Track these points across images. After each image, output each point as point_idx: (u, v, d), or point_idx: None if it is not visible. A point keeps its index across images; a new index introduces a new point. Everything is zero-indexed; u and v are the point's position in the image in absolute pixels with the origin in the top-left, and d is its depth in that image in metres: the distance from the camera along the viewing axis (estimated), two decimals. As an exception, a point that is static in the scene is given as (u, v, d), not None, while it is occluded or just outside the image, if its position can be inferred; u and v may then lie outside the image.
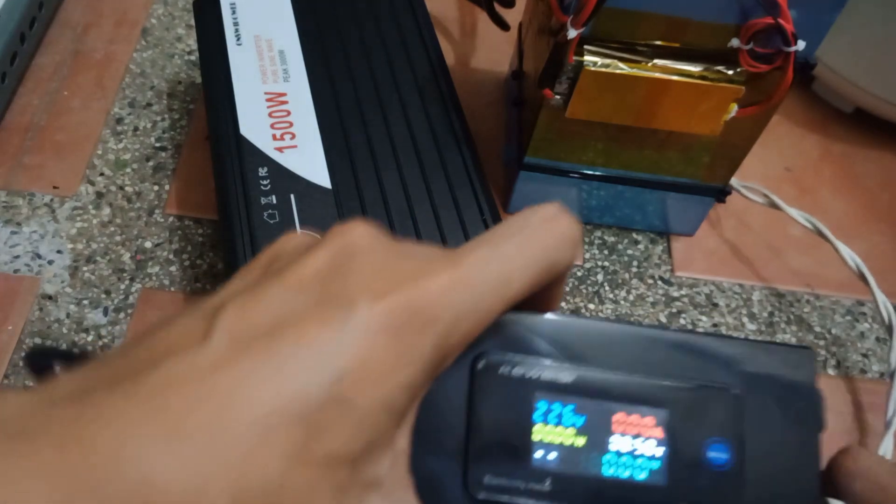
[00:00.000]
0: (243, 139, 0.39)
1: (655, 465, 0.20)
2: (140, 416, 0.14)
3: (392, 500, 0.17)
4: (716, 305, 0.45)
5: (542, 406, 0.20)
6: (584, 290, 0.44)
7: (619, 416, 0.20)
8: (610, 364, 0.20)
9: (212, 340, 0.15)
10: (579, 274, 0.45)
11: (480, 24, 0.57)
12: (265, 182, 0.37)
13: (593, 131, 0.40)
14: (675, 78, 0.36)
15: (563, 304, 0.44)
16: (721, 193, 0.44)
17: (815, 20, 0.35)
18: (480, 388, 0.20)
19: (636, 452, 0.20)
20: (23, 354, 0.40)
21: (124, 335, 0.40)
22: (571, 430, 0.20)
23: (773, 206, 0.44)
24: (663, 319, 0.44)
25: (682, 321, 0.44)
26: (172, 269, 0.43)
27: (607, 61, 0.36)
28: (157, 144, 0.48)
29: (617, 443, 0.20)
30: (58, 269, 0.42)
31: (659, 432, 0.20)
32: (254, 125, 0.39)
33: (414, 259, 0.17)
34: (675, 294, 0.45)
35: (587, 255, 0.46)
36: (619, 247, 0.47)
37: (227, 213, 0.36)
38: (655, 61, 0.36)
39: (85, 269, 0.43)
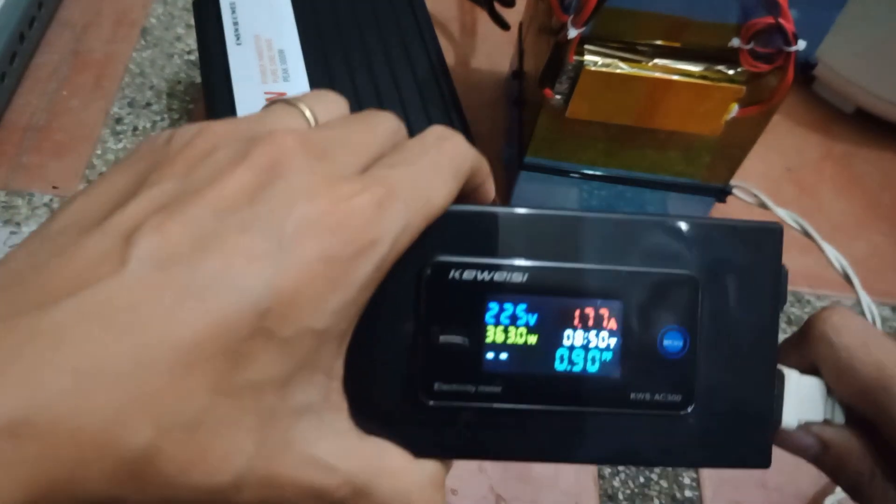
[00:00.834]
0: (243, 139, 0.38)
1: (608, 356, 0.20)
2: (47, 354, 0.13)
3: (323, 424, 0.17)
4: (716, 305, 0.45)
5: (493, 307, 0.20)
6: (585, 291, 0.44)
7: (571, 311, 0.20)
8: (563, 256, 0.20)
9: (129, 267, 0.14)
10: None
11: (481, 23, 0.57)
12: (265, 182, 0.37)
13: (594, 131, 0.40)
14: (675, 78, 0.36)
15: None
16: (721, 193, 0.44)
17: (816, 20, 0.34)
18: (428, 295, 0.19)
19: (589, 345, 0.20)
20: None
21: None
22: (524, 329, 0.20)
23: (763, 206, 0.44)
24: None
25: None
26: (172, 269, 0.43)
27: (608, 61, 0.36)
28: (157, 144, 0.48)
29: (569, 337, 0.20)
30: (57, 270, 0.42)
31: (613, 323, 0.20)
32: (253, 125, 0.39)
33: (342, 179, 0.17)
34: (676, 294, 0.45)
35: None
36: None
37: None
38: (656, 61, 0.36)
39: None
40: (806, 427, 0.21)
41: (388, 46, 0.44)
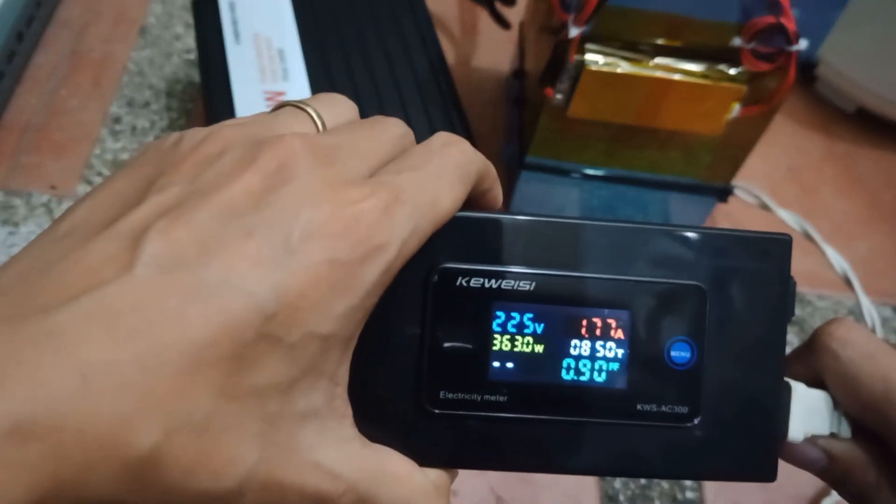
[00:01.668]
0: (242, 139, 0.38)
1: (615, 366, 0.20)
2: (52, 356, 0.13)
3: (327, 431, 0.17)
4: (717, 306, 0.44)
5: (499, 316, 0.19)
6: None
7: (578, 320, 0.20)
8: (570, 264, 0.20)
9: (136, 270, 0.14)
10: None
11: (481, 22, 0.57)
12: (264, 182, 0.37)
13: (595, 131, 0.40)
14: (676, 77, 0.36)
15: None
16: (723, 193, 0.43)
17: (818, 19, 0.34)
18: (435, 302, 0.19)
19: (596, 355, 0.20)
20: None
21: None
22: (530, 338, 0.19)
23: (765, 206, 0.44)
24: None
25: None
26: (171, 269, 0.43)
27: (609, 60, 0.36)
28: (156, 144, 0.48)
29: (576, 347, 0.20)
30: (55, 270, 0.42)
31: (620, 334, 0.20)
32: (253, 125, 0.39)
33: (349, 184, 0.17)
34: (677, 294, 0.45)
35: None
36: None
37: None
38: (657, 60, 0.36)
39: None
40: (812, 440, 0.21)
41: (388, 46, 0.44)
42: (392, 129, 0.19)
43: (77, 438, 0.13)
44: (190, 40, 0.54)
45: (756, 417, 0.20)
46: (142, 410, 0.14)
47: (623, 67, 0.36)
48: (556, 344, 0.19)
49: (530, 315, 0.19)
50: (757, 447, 0.20)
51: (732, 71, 0.36)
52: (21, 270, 0.15)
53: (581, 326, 0.20)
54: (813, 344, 0.22)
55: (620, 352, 0.20)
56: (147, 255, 0.15)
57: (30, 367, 0.13)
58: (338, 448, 0.17)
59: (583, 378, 0.20)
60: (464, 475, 0.38)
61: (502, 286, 0.19)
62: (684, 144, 0.40)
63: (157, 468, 0.14)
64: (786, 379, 0.21)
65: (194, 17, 0.45)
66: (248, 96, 0.40)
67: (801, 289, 0.45)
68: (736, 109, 0.37)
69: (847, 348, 0.21)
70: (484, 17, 0.55)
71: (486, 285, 0.19)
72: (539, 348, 0.19)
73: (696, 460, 0.20)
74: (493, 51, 0.55)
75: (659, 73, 0.36)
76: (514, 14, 0.52)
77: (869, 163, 0.52)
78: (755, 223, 0.48)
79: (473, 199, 0.20)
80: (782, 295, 0.20)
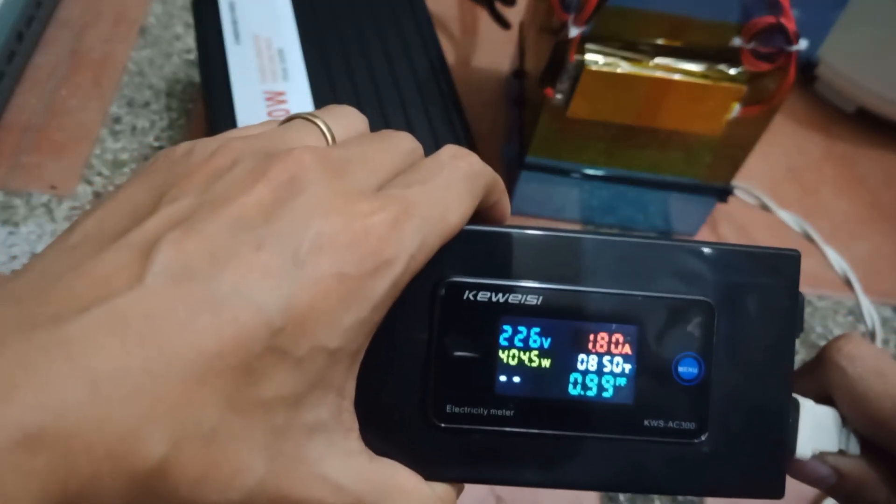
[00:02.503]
0: (242, 139, 0.38)
1: (622, 382, 0.20)
2: (63, 365, 0.13)
3: (334, 444, 0.17)
4: (717, 306, 0.44)
5: (507, 330, 0.19)
6: (585, 291, 0.44)
7: (585, 335, 0.20)
8: (578, 279, 0.20)
9: (147, 281, 0.14)
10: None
11: (481, 22, 0.57)
12: (264, 182, 0.37)
13: (595, 131, 0.40)
14: (676, 77, 0.36)
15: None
16: (723, 193, 0.43)
17: (818, 19, 0.34)
18: (442, 315, 0.19)
19: (603, 370, 0.20)
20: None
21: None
22: (537, 353, 0.19)
23: (765, 207, 0.44)
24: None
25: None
26: (171, 269, 0.43)
27: (609, 60, 0.36)
28: (156, 144, 0.48)
29: (583, 362, 0.20)
30: (55, 270, 0.42)
31: (627, 349, 0.20)
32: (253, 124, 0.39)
33: (359, 197, 0.17)
34: (677, 295, 0.45)
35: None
36: (621, 247, 0.46)
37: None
38: (657, 60, 0.36)
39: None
40: (821, 457, 0.21)
41: (388, 45, 0.44)
42: (402, 144, 0.19)
43: (86, 447, 0.13)
44: (190, 40, 0.54)
45: (764, 433, 0.20)
46: (150, 420, 0.14)
47: (623, 67, 0.36)
48: (564, 358, 0.19)
49: (537, 329, 0.19)
50: (765, 463, 0.20)
51: (732, 71, 0.36)
52: (33, 279, 0.15)
53: (588, 341, 0.19)
54: (821, 360, 0.21)
55: (628, 367, 0.20)
56: (158, 265, 0.15)
57: (41, 375, 0.13)
58: (344, 461, 0.17)
59: (590, 393, 0.19)
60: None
61: (509, 300, 0.19)
62: (684, 144, 0.40)
63: (165, 478, 0.14)
64: (794, 395, 0.21)
65: (194, 17, 0.44)
66: (248, 96, 0.40)
67: (802, 289, 0.45)
68: (736, 109, 0.37)
69: (856, 365, 0.21)
70: (484, 17, 0.55)
71: (494, 299, 0.19)
72: (546, 363, 0.19)
73: (704, 476, 0.20)
74: (493, 51, 0.55)
75: (659, 73, 0.36)
76: (514, 14, 0.52)
77: (869, 163, 0.52)
78: (755, 224, 0.48)
79: (482, 212, 0.20)
80: (790, 310, 0.20)
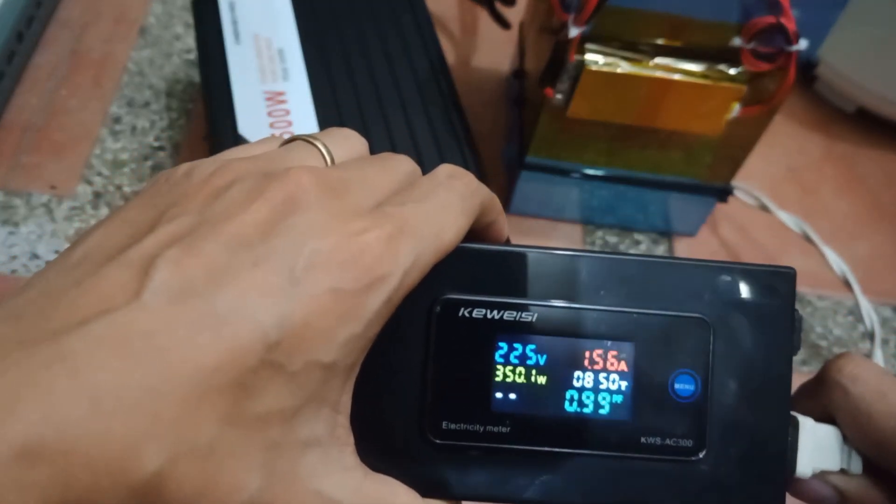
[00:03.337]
0: (242, 139, 0.38)
1: (618, 399, 0.20)
2: (64, 379, 0.14)
3: (329, 459, 0.17)
4: (717, 306, 0.44)
5: (502, 347, 0.19)
6: (585, 291, 0.44)
7: (581, 352, 0.20)
8: (573, 296, 0.20)
9: (144, 298, 0.15)
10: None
11: (481, 22, 0.57)
12: (264, 182, 0.37)
13: (595, 131, 0.40)
14: (676, 77, 0.36)
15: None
16: (723, 193, 0.43)
17: (818, 19, 0.34)
18: (438, 333, 0.19)
19: (599, 388, 0.19)
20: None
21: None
22: (533, 370, 0.19)
23: (764, 208, 0.44)
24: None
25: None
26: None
27: (609, 60, 0.36)
28: (156, 144, 0.48)
29: (579, 379, 0.19)
30: (55, 270, 0.42)
31: (623, 366, 0.20)
32: (252, 124, 0.39)
33: (354, 216, 0.17)
34: (677, 295, 0.45)
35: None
36: (621, 247, 0.46)
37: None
38: (657, 60, 0.36)
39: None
40: (822, 476, 0.21)
41: (388, 46, 0.44)
42: (400, 166, 0.20)
43: (86, 461, 0.14)
44: (190, 40, 0.54)
45: (763, 452, 0.20)
46: (149, 435, 0.14)
47: (623, 67, 0.36)
48: (560, 375, 0.19)
49: (533, 346, 0.19)
50: (764, 482, 0.20)
51: (732, 71, 0.36)
52: (34, 296, 0.15)
53: (584, 358, 0.19)
54: (822, 380, 0.21)
55: (624, 384, 0.19)
56: (156, 282, 0.15)
57: (42, 390, 0.14)
58: (340, 477, 0.17)
59: (586, 410, 0.19)
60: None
61: (505, 317, 0.19)
62: (684, 144, 0.40)
63: (161, 493, 0.14)
64: (793, 413, 0.21)
65: (194, 17, 0.44)
66: (248, 96, 0.40)
67: (802, 289, 0.45)
68: (736, 109, 0.37)
69: (857, 385, 0.21)
70: (484, 17, 0.55)
71: (489, 316, 0.19)
72: (542, 380, 0.19)
73: (702, 494, 0.20)
74: (493, 51, 0.55)
75: (659, 73, 0.36)
76: (514, 14, 0.52)
77: (869, 163, 0.52)
78: (755, 224, 0.48)
79: (478, 232, 0.21)
80: (787, 328, 0.20)
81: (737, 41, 0.35)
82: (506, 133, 0.50)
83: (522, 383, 0.19)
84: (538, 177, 0.43)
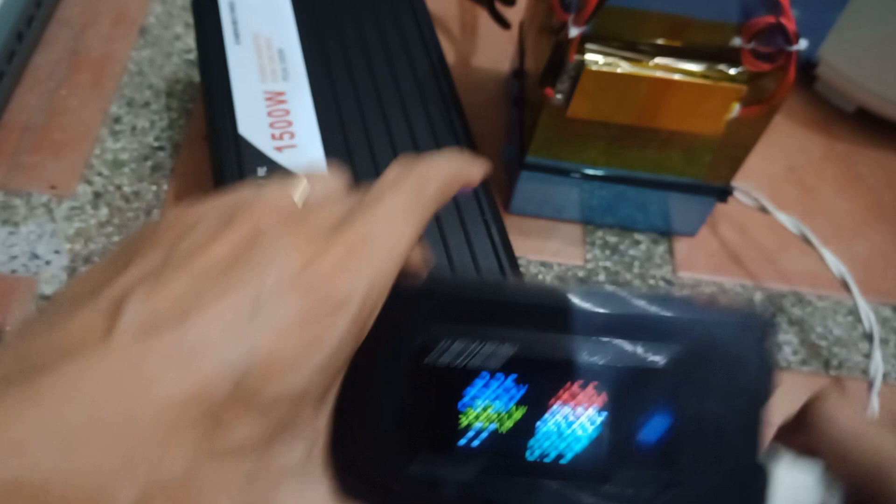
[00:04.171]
0: (242, 139, 0.38)
1: (588, 440, 0.20)
2: (35, 419, 0.14)
3: (305, 488, 0.17)
4: (717, 306, 0.44)
5: (476, 383, 0.19)
6: (585, 291, 0.44)
7: (554, 392, 0.20)
8: (549, 336, 0.20)
9: (114, 337, 0.15)
10: (581, 275, 0.45)
11: (481, 22, 0.57)
12: (264, 182, 0.37)
13: (595, 130, 0.40)
14: (676, 77, 0.36)
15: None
16: (723, 193, 0.43)
17: (818, 19, 0.34)
18: (411, 368, 0.19)
19: (570, 429, 0.20)
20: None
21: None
22: (503, 412, 0.20)
23: (763, 209, 0.44)
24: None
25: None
26: (171, 269, 0.43)
27: (609, 60, 0.36)
28: (156, 144, 0.48)
29: (550, 420, 0.20)
30: (55, 270, 0.42)
31: (594, 408, 0.20)
32: (253, 124, 0.39)
33: (312, 243, 0.17)
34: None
35: (589, 256, 0.46)
36: (621, 247, 0.46)
37: (225, 214, 0.36)
38: (657, 60, 0.36)
39: (83, 269, 0.42)
40: None
41: (388, 45, 0.44)
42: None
43: (58, 499, 0.14)
44: (190, 40, 0.54)
45: (734, 494, 0.20)
46: (121, 470, 0.14)
47: (623, 67, 0.36)
48: (531, 414, 0.20)
49: (506, 384, 0.20)
50: None
51: (732, 71, 0.36)
52: (13, 340, 0.16)
53: (556, 398, 0.20)
54: (801, 419, 0.21)
55: (594, 425, 0.20)
56: (125, 321, 0.15)
57: (14, 429, 0.14)
58: None
59: (555, 451, 0.20)
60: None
61: (478, 354, 0.19)
62: (684, 144, 0.40)
63: None
64: (772, 449, 0.21)
65: (194, 17, 0.44)
66: (248, 96, 0.40)
67: (802, 289, 0.45)
68: (736, 109, 0.37)
69: (834, 427, 0.20)
70: (484, 17, 0.55)
71: (462, 356, 0.19)
72: (512, 419, 0.20)
73: None
74: (493, 51, 0.55)
75: (659, 73, 0.36)
76: (514, 14, 0.52)
77: (869, 162, 0.52)
78: (755, 224, 0.48)
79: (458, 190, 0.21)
80: (761, 372, 0.20)
81: (737, 41, 0.35)
82: (506, 133, 0.50)
83: (495, 420, 0.20)
84: (538, 177, 0.43)
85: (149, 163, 0.47)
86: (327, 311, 0.17)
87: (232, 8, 0.44)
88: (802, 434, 0.21)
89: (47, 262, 0.42)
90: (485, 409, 0.20)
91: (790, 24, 0.34)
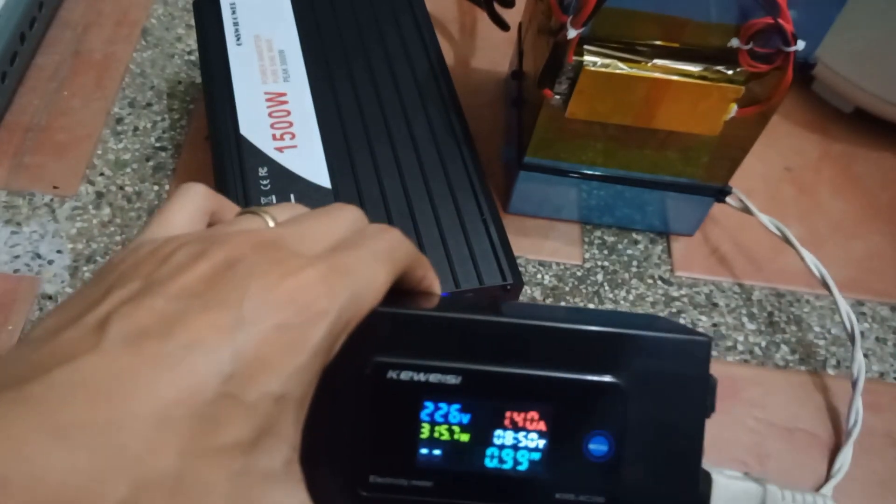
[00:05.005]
0: (243, 139, 0.39)
1: (536, 456, 0.21)
2: (29, 419, 0.14)
3: (289, 491, 0.18)
4: (715, 305, 0.45)
5: (428, 406, 0.21)
6: (584, 290, 0.44)
7: (502, 412, 0.21)
8: (495, 360, 0.21)
9: (103, 345, 0.16)
10: (579, 274, 0.45)
11: (480, 23, 0.57)
12: (265, 182, 0.37)
13: (593, 131, 0.40)
14: (674, 78, 0.36)
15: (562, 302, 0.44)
16: (721, 193, 0.44)
17: (815, 20, 0.35)
18: (368, 392, 0.21)
19: (518, 446, 0.21)
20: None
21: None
22: (456, 428, 0.21)
23: (747, 211, 0.44)
24: (663, 319, 0.44)
25: (682, 321, 0.44)
26: (172, 268, 0.43)
27: (607, 61, 0.36)
28: (157, 144, 0.48)
29: (500, 437, 0.21)
30: (58, 269, 0.43)
31: (542, 426, 0.21)
32: (254, 125, 0.39)
33: (290, 259, 0.18)
34: (675, 294, 0.45)
35: (587, 255, 0.46)
36: (619, 247, 0.47)
37: (226, 213, 0.36)
38: (655, 61, 0.36)
39: (85, 269, 0.43)
40: None
41: (388, 46, 0.44)
42: (342, 214, 0.22)
43: (51, 495, 0.14)
44: (191, 41, 0.55)
45: (681, 497, 0.21)
46: (114, 468, 0.15)
47: (621, 68, 0.36)
48: (481, 434, 0.21)
49: (457, 406, 0.21)
50: None
51: (730, 72, 0.36)
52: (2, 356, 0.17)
53: (504, 418, 0.21)
54: None
55: (541, 443, 0.21)
56: (112, 332, 0.16)
57: (8, 428, 0.14)
58: None
59: (505, 466, 0.21)
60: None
61: (430, 379, 0.21)
62: (682, 145, 0.40)
63: None
64: (707, 470, 0.22)
65: (196, 19, 0.45)
66: (249, 97, 0.40)
67: (799, 289, 0.46)
68: (733, 110, 0.38)
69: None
70: (483, 18, 0.56)
71: (416, 378, 0.21)
72: (465, 437, 0.21)
73: None
74: (491, 52, 0.55)
75: (657, 74, 0.36)
76: (513, 15, 0.52)
77: (866, 163, 0.53)
78: (753, 224, 0.48)
79: (413, 286, 0.23)
80: (701, 393, 0.21)
81: (734, 42, 0.35)
82: (504, 133, 0.50)
83: (446, 441, 0.21)
84: (537, 177, 0.44)
85: (151, 163, 0.47)
86: (306, 319, 0.18)
87: (233, 10, 0.45)
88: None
89: (50, 262, 0.43)
90: (442, 424, 0.21)
91: (788, 24, 0.34)
